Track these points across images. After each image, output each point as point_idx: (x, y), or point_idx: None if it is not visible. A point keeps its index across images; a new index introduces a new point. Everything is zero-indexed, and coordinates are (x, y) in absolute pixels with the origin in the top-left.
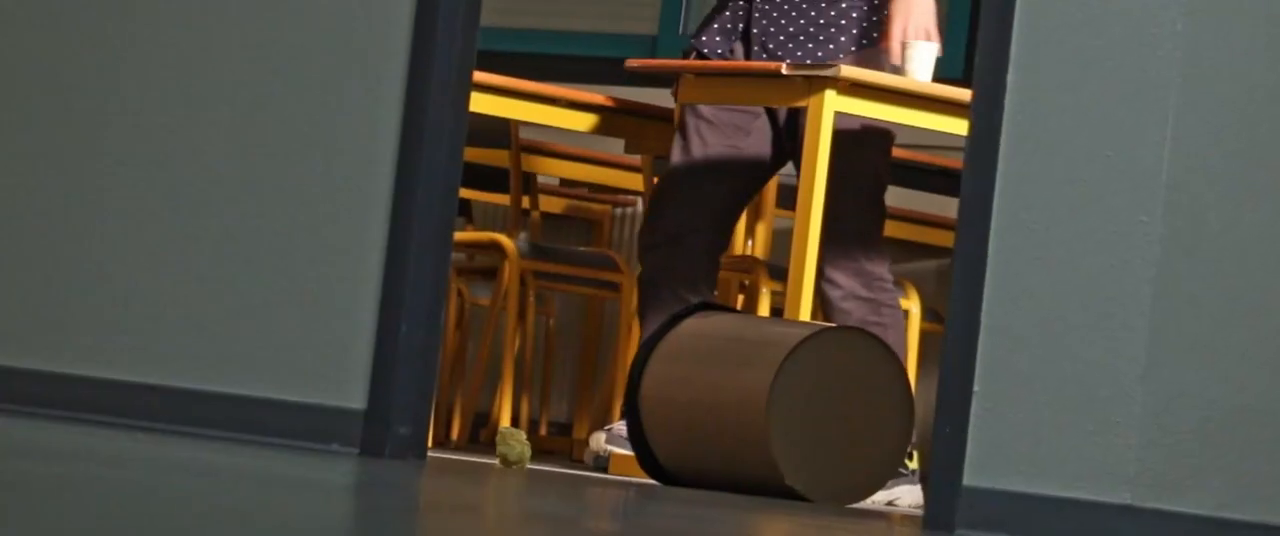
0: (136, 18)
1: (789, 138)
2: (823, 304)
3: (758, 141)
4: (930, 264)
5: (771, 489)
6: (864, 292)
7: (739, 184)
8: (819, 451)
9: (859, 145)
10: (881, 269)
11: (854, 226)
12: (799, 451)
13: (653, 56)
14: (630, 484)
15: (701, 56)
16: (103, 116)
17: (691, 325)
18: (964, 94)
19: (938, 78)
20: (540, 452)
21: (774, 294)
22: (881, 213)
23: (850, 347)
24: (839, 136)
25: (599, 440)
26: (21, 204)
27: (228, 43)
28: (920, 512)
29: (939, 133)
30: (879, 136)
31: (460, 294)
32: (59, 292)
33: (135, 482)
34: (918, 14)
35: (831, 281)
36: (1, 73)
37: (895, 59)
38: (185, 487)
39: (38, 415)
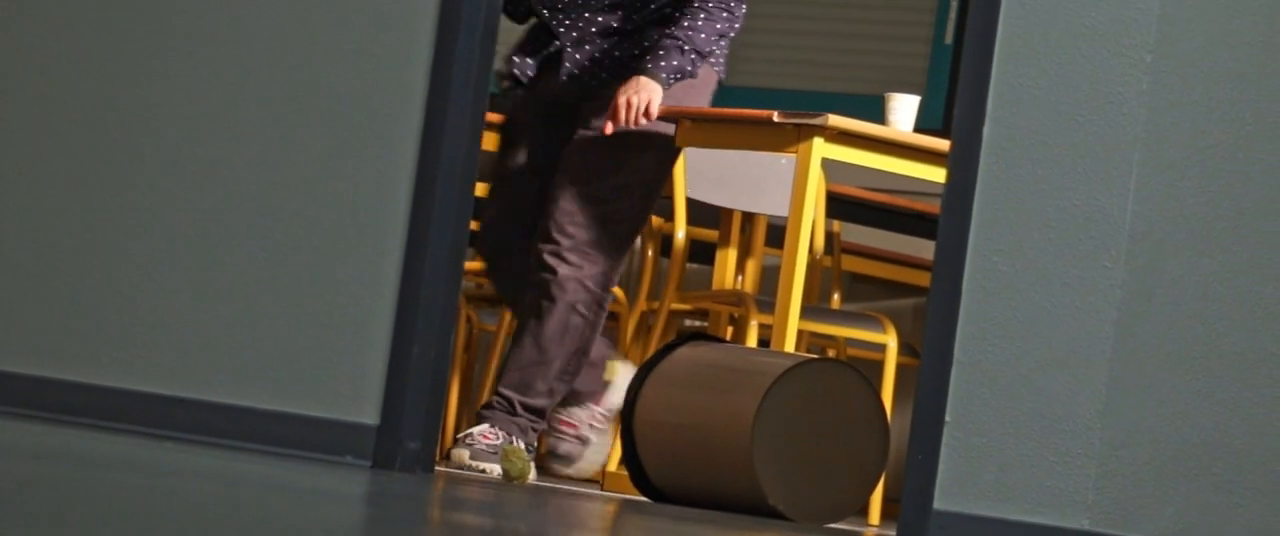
0: (174, 60)
1: (565, 120)
2: (538, 266)
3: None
4: (907, 302)
5: (754, 508)
6: (595, 289)
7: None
8: (799, 473)
9: (645, 150)
10: (617, 273)
11: (624, 227)
12: (781, 473)
13: None
14: (623, 500)
15: (514, 80)
16: (140, 151)
17: (685, 353)
18: (942, 144)
19: (919, 129)
20: (540, 469)
21: (762, 326)
22: (648, 217)
23: (831, 378)
24: (628, 138)
25: (463, 457)
26: (63, 230)
27: (257, 82)
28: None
29: (918, 179)
30: (665, 142)
31: (469, 320)
32: (96, 312)
33: (163, 488)
34: (643, 93)
35: (571, 261)
36: (48, 108)
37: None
38: (209, 493)
39: (74, 423)
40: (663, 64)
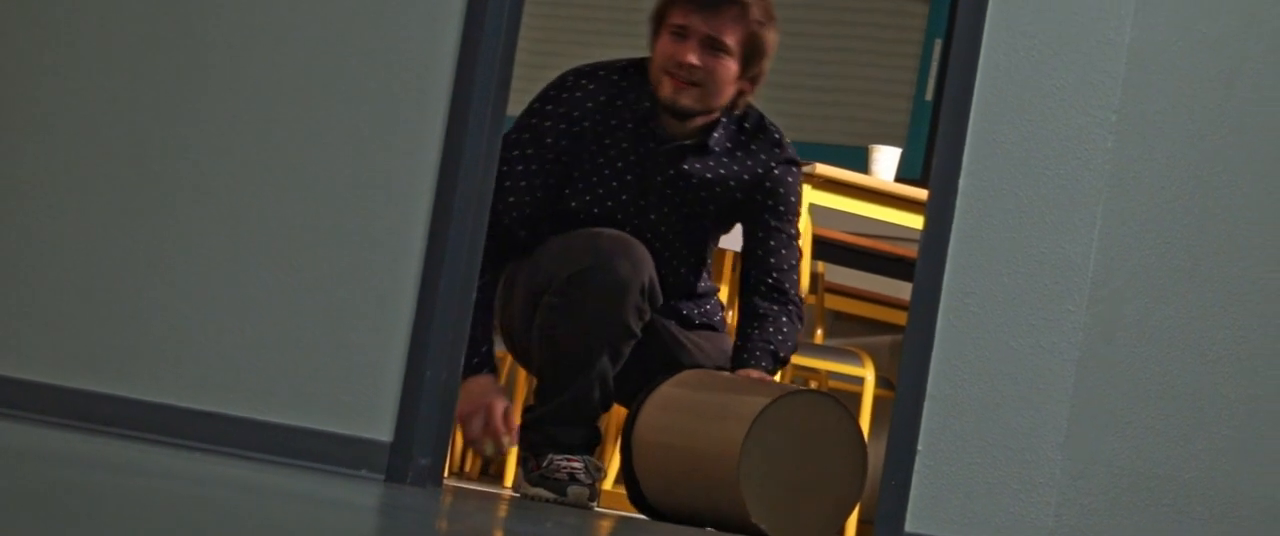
0: (208, 100)
1: None
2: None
3: None
4: (885, 339)
5: (740, 526)
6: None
7: None
8: (782, 496)
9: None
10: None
11: None
12: (765, 495)
13: None
14: (619, 516)
15: None
16: (174, 181)
17: (681, 380)
18: (921, 193)
19: (899, 178)
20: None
21: None
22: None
23: (813, 408)
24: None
25: None
26: (100, 252)
27: (284, 116)
28: None
29: (898, 225)
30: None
31: None
32: (131, 330)
33: (190, 495)
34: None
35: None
36: (92, 142)
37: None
38: (233, 501)
39: (108, 433)
40: (755, 361)
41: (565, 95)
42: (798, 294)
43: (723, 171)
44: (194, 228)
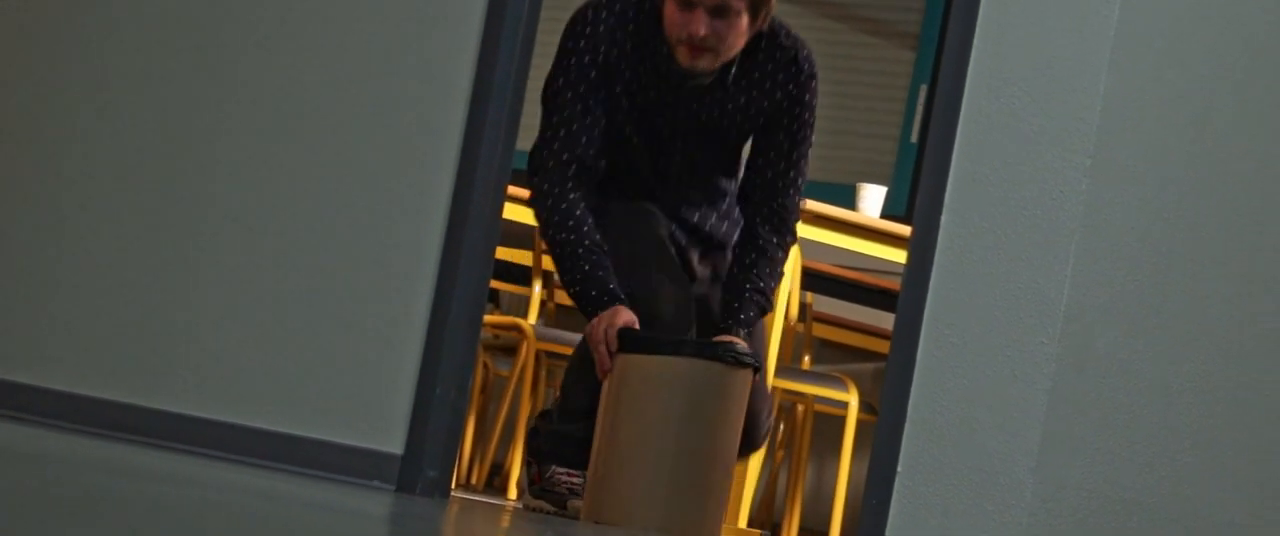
0: (232, 124)
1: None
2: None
3: None
4: (868, 366)
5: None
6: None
7: None
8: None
9: None
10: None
11: None
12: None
13: None
14: (614, 529)
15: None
16: (198, 201)
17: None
18: (905, 230)
19: (884, 215)
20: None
21: None
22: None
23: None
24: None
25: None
26: (128, 269)
27: (305, 140)
28: None
29: (882, 259)
30: None
31: (486, 365)
32: (155, 343)
33: (207, 501)
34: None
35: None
36: (121, 160)
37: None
38: (249, 507)
39: (131, 441)
40: (743, 319)
41: (589, 29)
42: (796, 220)
43: (743, 100)
44: (217, 246)
